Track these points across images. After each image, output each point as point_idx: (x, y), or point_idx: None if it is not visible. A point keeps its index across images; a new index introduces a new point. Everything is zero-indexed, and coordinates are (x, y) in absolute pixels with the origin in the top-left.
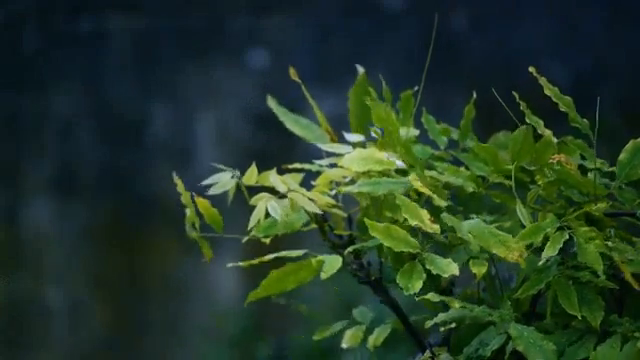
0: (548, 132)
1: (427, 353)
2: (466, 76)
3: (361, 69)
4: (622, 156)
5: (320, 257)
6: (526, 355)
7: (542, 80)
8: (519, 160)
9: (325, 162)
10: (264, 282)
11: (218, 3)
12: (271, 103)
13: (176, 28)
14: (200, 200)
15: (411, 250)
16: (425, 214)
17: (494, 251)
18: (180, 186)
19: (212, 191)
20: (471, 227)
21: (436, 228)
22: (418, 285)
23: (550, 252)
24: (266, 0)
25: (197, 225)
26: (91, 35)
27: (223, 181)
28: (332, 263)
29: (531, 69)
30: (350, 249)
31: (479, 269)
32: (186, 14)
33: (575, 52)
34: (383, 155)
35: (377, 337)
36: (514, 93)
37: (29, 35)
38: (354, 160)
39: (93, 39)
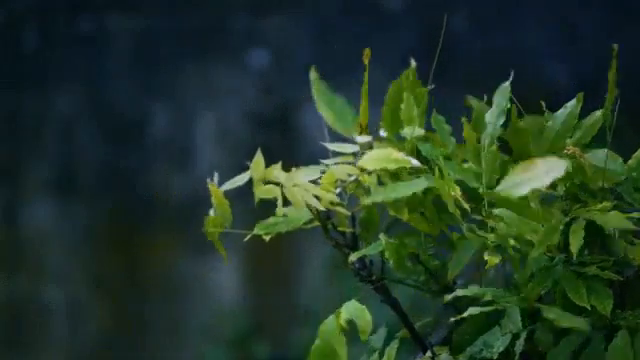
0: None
1: (428, 353)
2: (465, 76)
3: (413, 63)
4: (631, 162)
5: (344, 313)
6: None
7: (614, 63)
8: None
9: (331, 162)
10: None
11: (218, 3)
12: (313, 75)
13: (176, 28)
14: (216, 189)
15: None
16: (458, 190)
17: (528, 236)
18: (213, 187)
19: (225, 187)
20: (501, 212)
21: (467, 206)
22: None
23: (577, 245)
24: (266, 0)
25: (229, 223)
26: (91, 35)
27: (237, 177)
28: (364, 319)
29: (614, 46)
30: (354, 256)
31: (492, 259)
32: (186, 14)
33: (575, 52)
34: (399, 155)
35: (389, 356)
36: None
37: (29, 35)
38: (370, 160)
39: (93, 39)
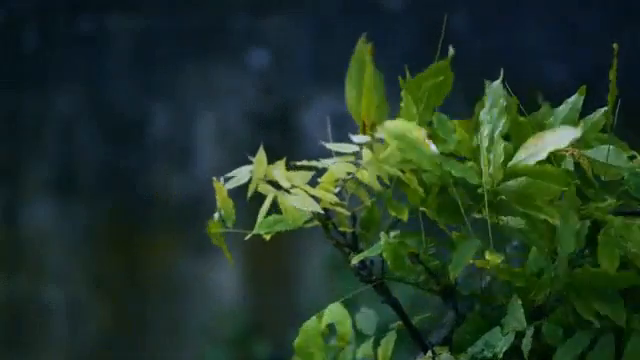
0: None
1: (428, 353)
2: (465, 76)
3: (452, 50)
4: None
5: (327, 316)
6: (551, 339)
7: (615, 62)
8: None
9: (331, 161)
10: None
11: (218, 3)
12: (360, 43)
13: (176, 28)
14: (220, 187)
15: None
16: None
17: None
18: (218, 185)
19: (229, 185)
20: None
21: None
22: None
23: (574, 245)
24: (266, 0)
25: (232, 222)
26: (91, 35)
27: (240, 174)
28: (344, 326)
29: (614, 46)
30: (356, 259)
31: (494, 259)
32: (186, 14)
33: (575, 52)
34: (422, 132)
35: (385, 349)
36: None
37: (29, 35)
38: (389, 130)
39: (93, 39)
